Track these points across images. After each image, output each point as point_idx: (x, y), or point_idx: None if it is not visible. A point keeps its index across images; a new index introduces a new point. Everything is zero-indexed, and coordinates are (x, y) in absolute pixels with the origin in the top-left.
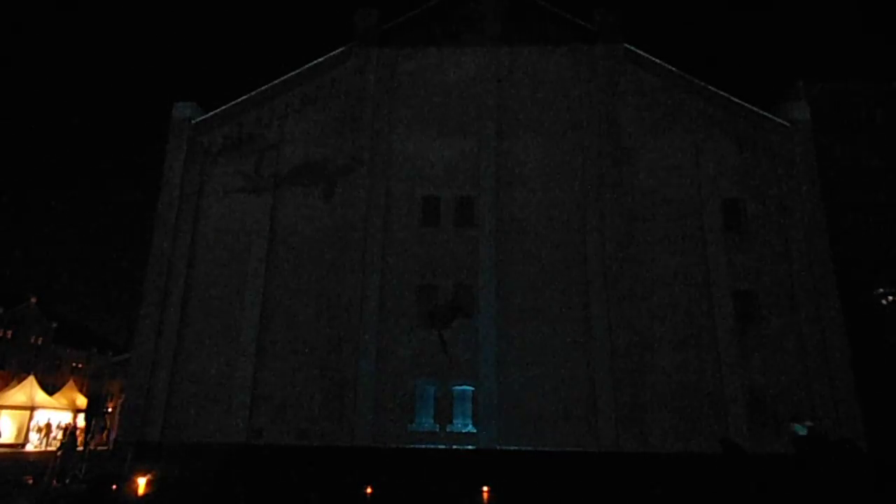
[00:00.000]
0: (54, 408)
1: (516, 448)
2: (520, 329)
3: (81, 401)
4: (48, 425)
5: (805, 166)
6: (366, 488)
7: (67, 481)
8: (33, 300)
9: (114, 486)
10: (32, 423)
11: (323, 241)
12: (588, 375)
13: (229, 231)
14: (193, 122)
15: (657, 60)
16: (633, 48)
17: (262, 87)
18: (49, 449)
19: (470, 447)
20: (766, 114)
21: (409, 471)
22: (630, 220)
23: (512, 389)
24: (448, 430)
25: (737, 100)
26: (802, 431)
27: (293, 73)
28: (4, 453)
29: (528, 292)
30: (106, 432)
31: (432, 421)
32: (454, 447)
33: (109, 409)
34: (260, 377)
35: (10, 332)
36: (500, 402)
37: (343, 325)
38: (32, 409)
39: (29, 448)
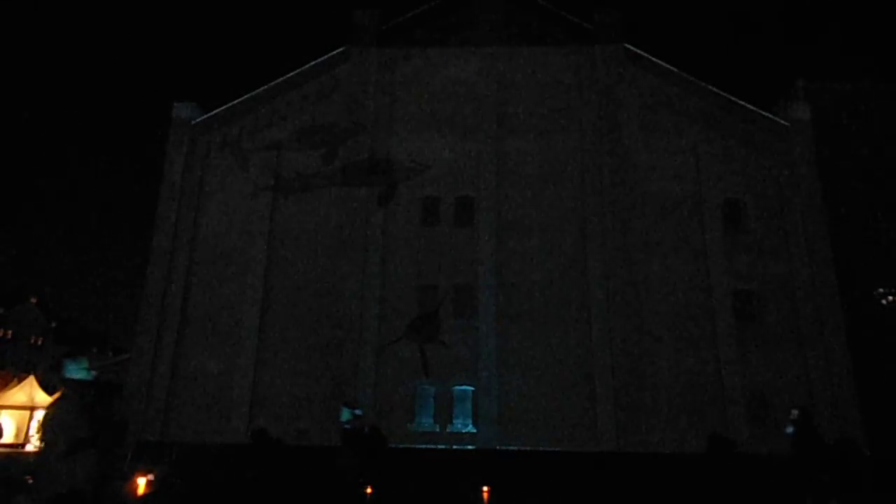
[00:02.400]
0: None
1: (516, 448)
2: (520, 329)
3: None
4: None
5: (805, 166)
6: (366, 488)
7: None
8: (33, 300)
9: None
10: (32, 423)
11: (323, 240)
12: (588, 375)
13: (229, 231)
14: (193, 122)
15: (657, 60)
16: (633, 48)
17: (262, 88)
18: None
19: (470, 447)
20: (766, 114)
21: (409, 471)
22: (630, 220)
23: (512, 389)
24: (448, 430)
25: (737, 100)
26: (347, 416)
27: (293, 73)
28: (4, 453)
29: (528, 292)
30: None
31: (432, 421)
32: (454, 447)
33: None
34: (260, 377)
35: (10, 332)
36: (500, 402)
37: (343, 325)
38: (32, 409)
39: (29, 448)
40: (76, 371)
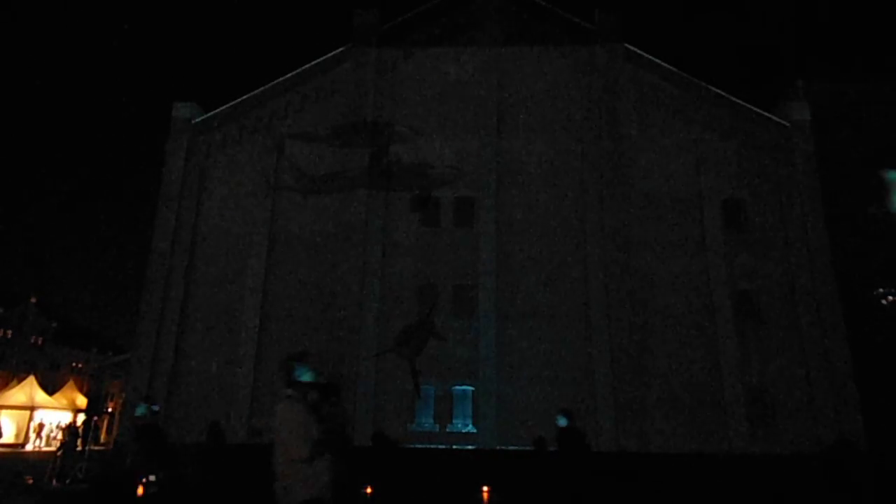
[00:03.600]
0: (54, 408)
1: (516, 448)
2: (520, 329)
3: (81, 401)
4: (41, 425)
5: (805, 166)
6: (366, 488)
7: (67, 481)
8: (33, 300)
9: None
10: (32, 424)
11: (323, 240)
12: (588, 375)
13: (229, 231)
14: (193, 121)
15: (657, 60)
16: (633, 48)
17: (262, 87)
18: (45, 449)
19: (470, 447)
20: (766, 114)
21: (409, 471)
22: (630, 220)
23: (512, 389)
24: (448, 430)
25: (737, 100)
26: (142, 412)
27: (293, 73)
28: (4, 453)
29: (528, 292)
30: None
31: (432, 421)
32: (454, 447)
33: (109, 409)
34: (260, 377)
35: (10, 332)
36: (500, 402)
37: (343, 326)
38: (32, 409)
39: (29, 448)
40: (303, 373)
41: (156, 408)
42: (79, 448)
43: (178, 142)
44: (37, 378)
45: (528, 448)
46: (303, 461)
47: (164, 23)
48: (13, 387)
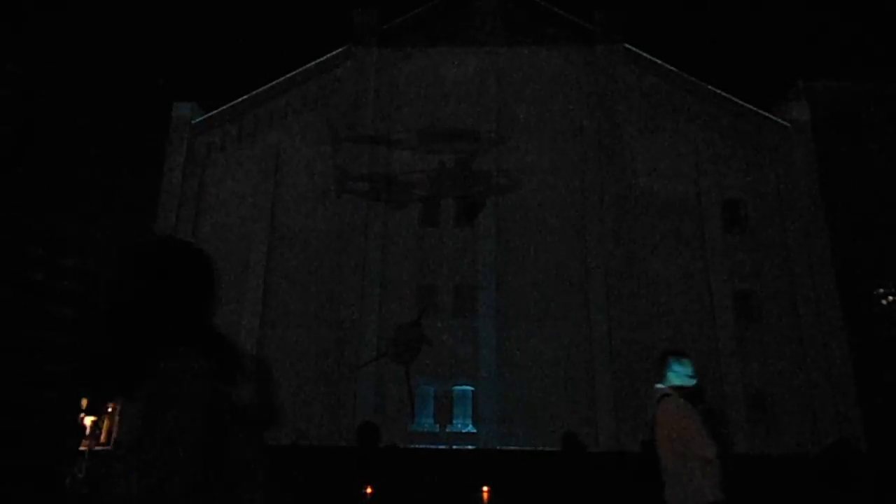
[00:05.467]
0: None
1: (516, 448)
2: (520, 329)
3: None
4: None
5: (805, 166)
6: (366, 488)
7: (68, 481)
8: None
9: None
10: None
11: (323, 240)
12: (588, 375)
13: (229, 231)
14: (193, 122)
15: (657, 60)
16: (633, 48)
17: (263, 88)
18: None
19: (470, 447)
20: (766, 114)
21: (409, 471)
22: (630, 220)
23: (512, 389)
24: (448, 430)
25: (737, 100)
26: None
27: (293, 73)
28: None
29: (528, 292)
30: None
31: (432, 421)
32: (454, 447)
33: (109, 409)
34: None
35: None
36: (500, 402)
37: (343, 326)
38: None
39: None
40: (679, 374)
41: None
42: (82, 448)
43: (178, 142)
44: None
45: (527, 448)
46: (709, 460)
47: (164, 23)
48: None
